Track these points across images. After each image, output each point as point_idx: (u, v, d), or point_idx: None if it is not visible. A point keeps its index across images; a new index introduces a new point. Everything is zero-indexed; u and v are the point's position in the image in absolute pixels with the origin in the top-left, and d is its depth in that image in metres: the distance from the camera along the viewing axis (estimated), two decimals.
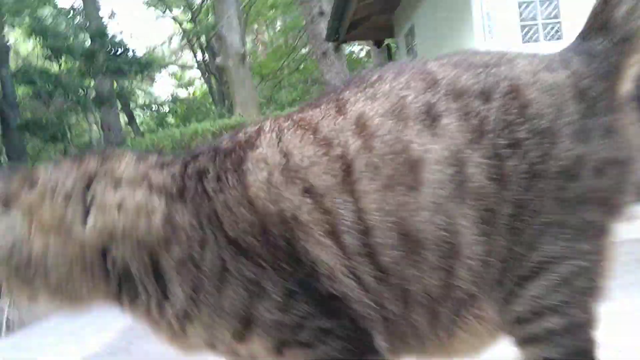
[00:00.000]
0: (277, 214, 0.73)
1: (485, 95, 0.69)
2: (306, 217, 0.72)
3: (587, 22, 0.79)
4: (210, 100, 22.00)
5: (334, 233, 0.71)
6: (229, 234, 0.74)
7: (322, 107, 0.76)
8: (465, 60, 0.75)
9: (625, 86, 0.75)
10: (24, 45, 20.61)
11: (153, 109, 22.18)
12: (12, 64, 14.74)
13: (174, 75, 25.70)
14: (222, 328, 0.76)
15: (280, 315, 0.72)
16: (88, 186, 0.77)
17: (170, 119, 19.22)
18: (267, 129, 0.78)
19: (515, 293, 0.69)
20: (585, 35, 0.78)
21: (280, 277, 0.73)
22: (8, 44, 14.02)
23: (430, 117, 0.69)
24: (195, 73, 25.59)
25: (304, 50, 20.32)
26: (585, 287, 0.72)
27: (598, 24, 0.77)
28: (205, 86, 23.66)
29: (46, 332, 4.27)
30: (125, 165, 0.79)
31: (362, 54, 19.83)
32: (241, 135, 0.80)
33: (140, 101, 21.49)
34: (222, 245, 0.74)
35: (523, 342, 0.72)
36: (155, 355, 2.74)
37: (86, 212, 0.76)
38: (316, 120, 0.74)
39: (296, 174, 0.73)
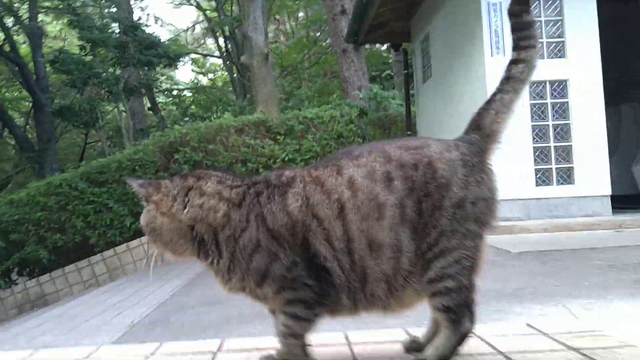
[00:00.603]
0: (301, 223, 1.25)
1: (416, 166, 1.22)
2: (314, 229, 1.23)
3: (469, 124, 1.35)
4: (231, 89, 22.47)
5: (328, 240, 1.24)
6: (269, 226, 1.28)
7: (328, 169, 1.26)
8: (405, 144, 1.27)
9: (490, 158, 1.30)
10: (52, 28, 21.27)
11: (175, 94, 22.70)
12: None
13: (195, 62, 26.19)
14: (251, 278, 1.30)
15: (285, 273, 1.26)
16: (187, 194, 1.28)
17: (193, 108, 19.74)
18: (299, 179, 1.28)
19: (428, 267, 1.21)
20: (468, 131, 1.33)
21: (291, 252, 1.27)
22: (40, 27, 14.60)
23: (388, 180, 1.21)
24: (216, 59, 26.11)
25: (324, 43, 20.63)
26: (468, 265, 1.23)
27: (475, 125, 1.31)
28: (226, 74, 24.14)
29: (92, 304, 4.85)
30: (210, 184, 1.31)
31: (384, 47, 20.09)
32: (284, 178, 1.30)
33: (162, 86, 22.02)
34: (261, 231, 1.28)
35: (432, 295, 1.23)
36: (190, 326, 3.28)
37: (184, 207, 1.27)
38: (324, 178, 1.25)
39: (311, 208, 1.24)
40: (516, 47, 1.30)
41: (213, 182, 1.32)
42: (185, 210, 1.29)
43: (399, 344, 1.39)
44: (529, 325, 1.58)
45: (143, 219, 1.32)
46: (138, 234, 7.95)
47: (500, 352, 1.32)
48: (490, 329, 1.53)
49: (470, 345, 1.38)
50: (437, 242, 1.19)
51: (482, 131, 1.29)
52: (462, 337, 1.21)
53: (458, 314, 1.20)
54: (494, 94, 1.31)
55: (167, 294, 4.63)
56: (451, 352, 1.21)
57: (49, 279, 7.84)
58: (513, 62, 1.30)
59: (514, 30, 1.30)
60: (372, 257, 1.20)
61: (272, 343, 1.29)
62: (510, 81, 1.30)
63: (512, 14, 1.29)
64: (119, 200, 8.09)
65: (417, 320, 1.48)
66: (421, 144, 1.25)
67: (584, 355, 1.26)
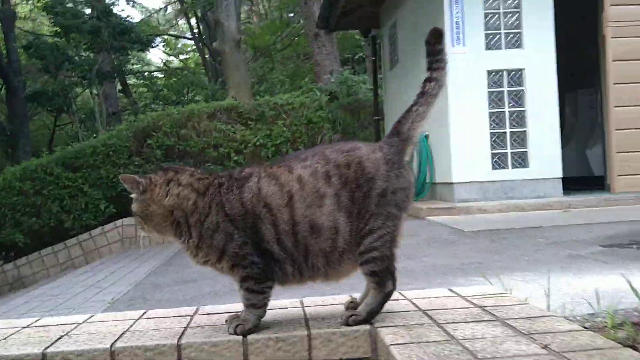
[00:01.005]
0: (251, 211, 1.55)
1: (348, 165, 1.52)
2: (263, 216, 1.54)
3: (390, 131, 1.65)
4: (203, 70, 22.40)
5: (274, 225, 1.54)
6: (227, 212, 1.57)
7: (281, 168, 1.56)
8: (340, 148, 1.57)
9: (407, 157, 1.60)
10: (22, 8, 20.84)
11: (146, 76, 22.50)
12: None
13: (167, 42, 25.95)
14: (212, 254, 1.59)
15: (238, 251, 1.55)
16: (168, 183, 1.57)
17: (164, 91, 19.65)
18: (255, 174, 1.57)
19: (360, 242, 1.51)
20: (390, 136, 1.63)
21: (243, 234, 1.56)
22: (13, 11, 14.37)
23: (328, 177, 1.51)
24: (188, 40, 25.90)
25: (297, 25, 20.68)
26: (390, 240, 1.53)
27: (395, 132, 1.61)
28: (198, 55, 24.03)
29: (71, 284, 5.08)
30: (184, 177, 1.59)
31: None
32: (244, 173, 1.60)
33: (133, 67, 21.81)
34: (221, 216, 1.58)
35: (362, 264, 1.54)
36: (167, 301, 3.55)
37: (166, 195, 1.56)
38: (278, 174, 1.55)
39: (263, 198, 1.54)
40: (429, 68, 1.60)
41: (187, 175, 1.61)
42: (167, 199, 1.57)
43: (342, 305, 1.70)
44: (450, 290, 1.91)
45: (137, 207, 1.60)
46: (112, 217, 8.15)
47: (420, 310, 1.64)
48: (417, 293, 1.86)
49: (400, 304, 1.71)
50: (366, 223, 1.50)
51: (401, 136, 1.59)
52: (386, 296, 1.53)
53: (382, 277, 1.51)
54: (411, 106, 1.61)
55: (142, 274, 4.89)
56: (379, 308, 1.53)
57: (25, 262, 7.99)
58: (427, 80, 1.61)
59: (428, 54, 1.60)
60: (313, 237, 1.50)
61: (241, 308, 1.59)
62: (424, 96, 1.60)
63: (427, 42, 1.59)
64: (94, 184, 8.25)
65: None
66: (352, 147, 1.56)
67: (484, 310, 1.59)
